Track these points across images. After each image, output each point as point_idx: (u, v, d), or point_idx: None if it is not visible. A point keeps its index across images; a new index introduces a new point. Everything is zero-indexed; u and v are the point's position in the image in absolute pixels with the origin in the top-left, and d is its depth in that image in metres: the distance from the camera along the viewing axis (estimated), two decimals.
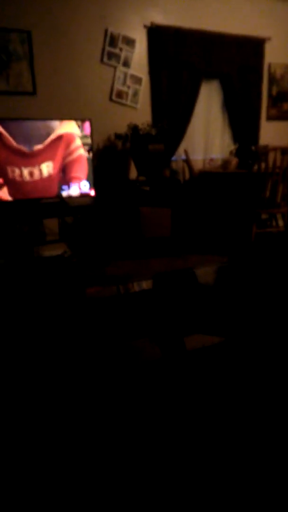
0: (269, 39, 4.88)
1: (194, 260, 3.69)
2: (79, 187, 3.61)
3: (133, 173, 4.27)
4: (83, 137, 3.26)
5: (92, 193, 3.68)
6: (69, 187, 3.57)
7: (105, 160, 4.18)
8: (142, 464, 1.34)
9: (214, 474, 1.30)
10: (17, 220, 3.40)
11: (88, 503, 1.21)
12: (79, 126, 3.31)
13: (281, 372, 1.86)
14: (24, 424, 1.56)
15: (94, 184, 3.66)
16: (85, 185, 3.63)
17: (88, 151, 3.29)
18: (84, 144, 3.26)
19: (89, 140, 3.39)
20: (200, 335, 2.28)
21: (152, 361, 1.97)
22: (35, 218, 3.49)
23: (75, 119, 3.52)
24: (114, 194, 4.11)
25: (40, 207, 3.49)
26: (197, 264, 3.58)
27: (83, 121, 3.54)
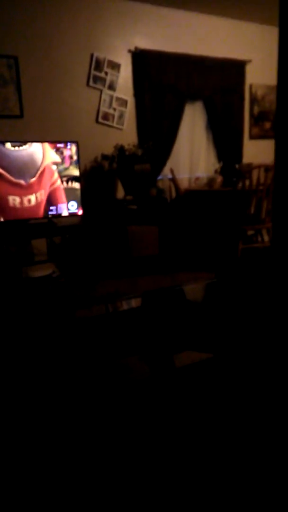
0: (249, 61, 5.06)
1: (182, 278, 3.74)
2: (67, 207, 3.66)
3: (120, 193, 4.34)
4: (63, 169, 3.47)
5: (80, 212, 3.73)
6: (57, 208, 3.61)
7: (92, 180, 4.25)
8: (133, 480, 1.35)
9: (205, 490, 1.31)
10: (5, 241, 3.42)
11: None
12: (61, 156, 3.51)
13: (268, 386, 1.89)
14: (17, 440, 1.57)
15: (82, 204, 3.71)
16: (72, 205, 3.68)
17: (68, 181, 3.47)
18: (63, 176, 3.56)
19: (70, 171, 3.54)
20: (189, 352, 2.31)
21: (141, 379, 1.98)
22: (23, 239, 3.52)
23: (62, 142, 3.58)
24: (101, 214, 4.16)
25: (28, 228, 3.52)
26: (185, 281, 3.63)
27: (70, 143, 3.60)
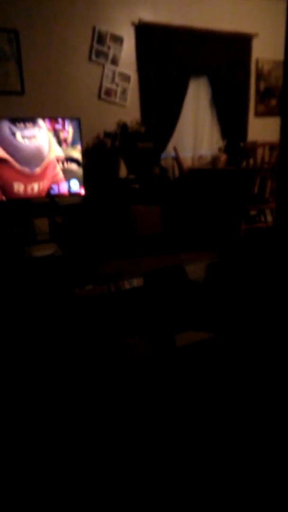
0: (256, 35, 4.91)
1: (184, 257, 3.74)
2: (69, 186, 3.63)
3: (123, 172, 4.29)
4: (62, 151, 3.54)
5: (82, 192, 3.70)
6: (58, 187, 3.59)
7: (94, 158, 4.19)
8: (135, 463, 1.38)
9: (208, 473, 1.34)
10: (7, 220, 3.41)
11: (84, 504, 1.24)
12: (57, 138, 3.55)
13: (270, 367, 1.91)
14: (17, 424, 1.60)
15: (84, 183, 3.68)
16: (74, 184, 3.65)
17: (64, 162, 3.63)
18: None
19: (68, 152, 3.60)
20: (190, 332, 2.32)
21: (143, 359, 2.00)
22: (25, 218, 3.50)
23: (63, 117, 3.52)
24: (104, 193, 4.13)
25: (30, 207, 3.50)
26: (187, 261, 3.62)
27: (71, 119, 3.55)
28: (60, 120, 3.50)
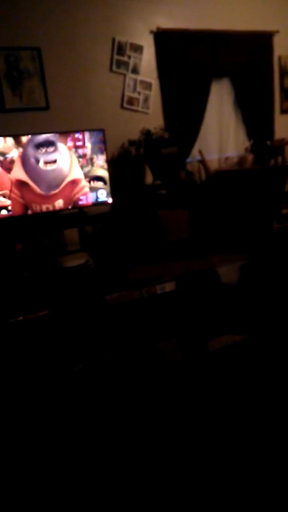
0: (277, 32, 4.84)
1: (214, 260, 3.68)
2: (97, 196, 3.67)
3: (149, 178, 4.30)
4: (87, 171, 3.68)
5: (110, 200, 3.73)
6: (86, 197, 3.64)
7: (120, 167, 4.23)
8: (162, 465, 1.36)
9: (234, 474, 1.30)
10: (37, 233, 3.48)
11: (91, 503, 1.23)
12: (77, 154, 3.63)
13: None
14: (42, 422, 1.60)
15: (111, 192, 3.71)
16: (102, 194, 3.69)
17: (90, 181, 3.70)
18: (87, 177, 3.71)
19: (93, 172, 3.70)
20: (224, 336, 2.28)
21: (174, 364, 1.98)
22: (56, 230, 3.57)
23: (88, 130, 3.58)
24: (131, 200, 4.14)
25: (60, 219, 3.56)
26: (218, 264, 3.57)
27: (96, 131, 3.60)
28: (80, 136, 3.55)
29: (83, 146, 3.57)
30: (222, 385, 1.77)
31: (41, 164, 3.43)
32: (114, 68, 4.10)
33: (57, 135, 3.48)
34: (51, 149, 3.45)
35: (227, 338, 2.19)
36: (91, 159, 3.62)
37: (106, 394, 1.80)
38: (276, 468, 1.31)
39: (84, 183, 3.62)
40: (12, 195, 3.38)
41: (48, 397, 1.84)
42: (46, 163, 3.45)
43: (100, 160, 3.65)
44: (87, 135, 3.58)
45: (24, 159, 3.38)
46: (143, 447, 1.46)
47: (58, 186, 3.52)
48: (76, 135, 3.54)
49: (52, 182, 3.50)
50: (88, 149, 3.58)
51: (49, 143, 3.44)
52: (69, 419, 1.67)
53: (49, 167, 3.47)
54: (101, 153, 3.65)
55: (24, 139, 3.38)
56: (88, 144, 3.58)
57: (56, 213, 3.56)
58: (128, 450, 1.45)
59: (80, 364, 2.04)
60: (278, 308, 2.53)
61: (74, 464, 1.42)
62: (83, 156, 3.60)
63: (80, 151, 3.57)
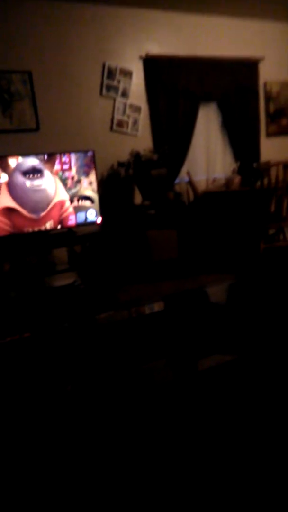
0: (262, 59, 5.00)
1: (203, 280, 3.70)
2: (86, 215, 3.69)
3: (138, 198, 4.36)
4: (75, 192, 3.71)
5: (99, 220, 3.75)
6: (76, 217, 3.65)
7: (109, 187, 4.27)
8: (154, 487, 1.34)
9: (224, 491, 1.29)
10: (27, 253, 3.48)
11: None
12: (64, 175, 3.65)
13: None
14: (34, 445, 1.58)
15: (100, 212, 3.74)
16: (91, 214, 3.71)
17: (79, 199, 3.74)
18: (74, 197, 3.74)
19: (81, 192, 3.73)
20: (213, 355, 2.28)
21: (164, 383, 1.97)
22: (44, 249, 3.56)
23: (78, 151, 3.63)
24: (120, 220, 4.18)
25: (48, 238, 3.56)
26: (207, 283, 3.59)
27: (86, 152, 3.65)
28: (66, 159, 3.58)
29: (69, 169, 3.60)
30: (212, 404, 1.77)
31: (27, 188, 3.47)
32: (104, 92, 4.19)
33: (43, 162, 3.50)
34: (37, 175, 3.50)
35: (216, 358, 2.19)
36: (79, 180, 3.65)
37: (97, 414, 1.78)
38: (264, 486, 1.30)
39: (68, 204, 3.66)
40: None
41: (39, 417, 1.81)
42: (32, 187, 3.49)
43: (85, 182, 3.68)
44: (73, 157, 3.60)
45: (10, 185, 3.40)
46: (134, 465, 1.44)
47: (44, 208, 3.56)
48: (63, 159, 3.57)
49: (39, 205, 3.54)
50: (73, 171, 3.61)
51: (36, 170, 3.48)
52: (60, 439, 1.64)
53: (36, 188, 3.51)
54: (86, 176, 3.68)
55: (12, 163, 3.39)
56: (74, 167, 3.62)
57: (45, 233, 3.57)
58: (119, 468, 1.43)
59: (70, 385, 2.02)
60: (267, 327, 2.55)
61: (62, 485, 1.40)
62: (71, 178, 3.63)
63: (67, 173, 3.60)
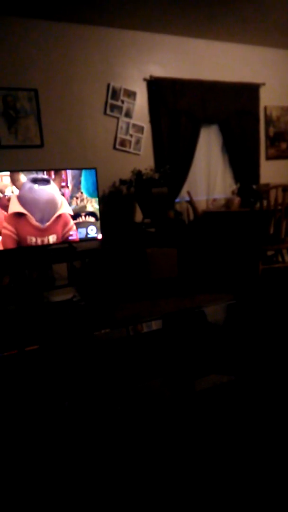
0: (263, 84, 5.13)
1: (202, 299, 3.71)
2: (87, 232, 3.72)
3: (139, 216, 4.40)
4: (78, 208, 3.71)
5: (99, 237, 3.78)
6: (77, 233, 3.68)
7: (111, 205, 4.32)
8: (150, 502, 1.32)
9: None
10: (26, 266, 3.49)
11: None
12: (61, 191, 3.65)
13: None
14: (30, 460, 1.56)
15: (101, 228, 3.77)
16: (92, 230, 3.74)
17: (85, 215, 3.75)
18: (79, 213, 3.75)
19: (85, 208, 3.73)
20: (211, 375, 2.27)
21: (161, 403, 1.96)
22: (44, 264, 3.58)
23: (81, 169, 3.68)
24: (120, 237, 4.21)
25: (49, 253, 3.58)
26: (205, 303, 3.60)
27: (88, 169, 3.70)
28: (64, 177, 3.61)
29: (66, 186, 3.63)
30: (208, 425, 1.76)
31: (36, 190, 3.50)
32: (108, 111, 4.28)
33: (52, 177, 3.54)
34: (45, 183, 3.52)
35: (214, 378, 2.19)
36: (76, 197, 3.67)
37: (93, 432, 1.76)
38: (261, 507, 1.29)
39: (71, 223, 3.69)
40: (4, 231, 3.41)
41: (35, 431, 1.79)
42: (40, 190, 3.51)
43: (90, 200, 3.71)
44: (69, 176, 3.62)
45: (20, 193, 3.43)
46: (128, 481, 1.42)
47: (50, 217, 3.57)
48: (63, 176, 3.60)
49: (46, 210, 3.55)
50: (69, 190, 3.65)
51: (44, 180, 3.51)
52: (55, 454, 1.62)
53: (43, 192, 3.53)
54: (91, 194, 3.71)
55: (22, 178, 3.43)
56: (70, 185, 3.65)
57: (46, 247, 3.59)
58: (112, 483, 1.42)
59: (68, 401, 2.01)
60: (265, 349, 2.55)
61: (53, 498, 1.38)
62: (76, 197, 3.67)
63: (67, 191, 3.64)
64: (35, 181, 3.47)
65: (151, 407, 1.94)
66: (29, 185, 3.46)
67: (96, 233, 3.76)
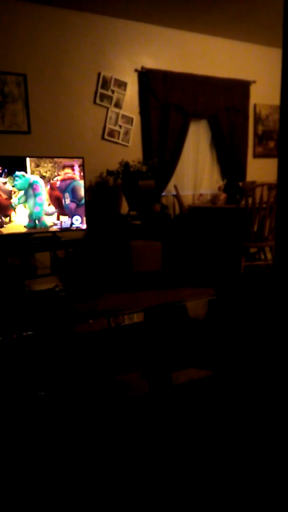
0: (254, 82, 5.14)
1: (184, 293, 3.74)
2: (71, 221, 3.69)
3: (125, 208, 4.38)
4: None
5: (84, 227, 3.76)
6: (61, 222, 3.65)
7: (97, 195, 4.29)
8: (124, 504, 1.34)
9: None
10: (9, 254, 3.44)
11: None
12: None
13: (267, 405, 1.87)
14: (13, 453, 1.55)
15: (86, 219, 3.74)
16: (77, 220, 3.71)
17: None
18: None
19: None
20: (188, 369, 2.30)
21: (139, 396, 1.97)
22: (27, 252, 3.54)
23: (68, 157, 3.64)
24: (105, 229, 4.19)
25: (32, 241, 3.54)
26: (187, 297, 3.63)
27: (76, 158, 3.66)
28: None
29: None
30: (187, 419, 1.78)
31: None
32: (97, 100, 4.23)
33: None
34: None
35: (191, 372, 2.21)
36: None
37: (69, 422, 1.76)
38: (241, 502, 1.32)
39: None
40: None
41: (7, 421, 1.78)
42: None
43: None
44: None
45: None
46: (101, 477, 1.43)
47: None
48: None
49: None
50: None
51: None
52: (27, 444, 1.62)
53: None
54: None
55: None
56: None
57: (29, 235, 3.55)
58: (85, 478, 1.42)
59: (43, 391, 2.00)
60: (244, 345, 2.58)
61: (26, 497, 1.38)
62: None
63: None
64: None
65: (129, 399, 1.95)
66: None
67: (80, 223, 3.74)
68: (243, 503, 1.32)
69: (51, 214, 3.59)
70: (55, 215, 3.60)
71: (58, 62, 3.99)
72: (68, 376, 2.18)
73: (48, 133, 4.00)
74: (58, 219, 3.63)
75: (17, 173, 3.40)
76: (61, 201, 3.60)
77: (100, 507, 1.32)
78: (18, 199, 3.43)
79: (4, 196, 3.38)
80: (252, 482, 1.41)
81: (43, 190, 3.53)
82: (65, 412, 1.84)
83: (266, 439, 1.64)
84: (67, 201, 3.63)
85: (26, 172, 3.44)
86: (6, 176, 3.37)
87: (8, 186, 3.38)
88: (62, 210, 3.62)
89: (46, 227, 3.58)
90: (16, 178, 3.41)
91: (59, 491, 1.39)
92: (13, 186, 3.40)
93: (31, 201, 3.49)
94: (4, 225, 3.40)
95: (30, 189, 3.48)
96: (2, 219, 3.38)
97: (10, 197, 3.40)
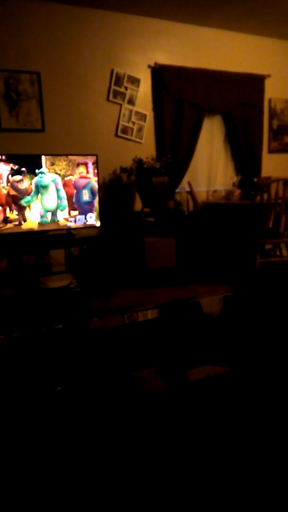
0: (269, 76, 5.07)
1: (198, 290, 3.72)
2: (85, 219, 3.70)
3: (138, 205, 4.38)
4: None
5: (98, 224, 3.76)
6: (75, 219, 3.66)
7: (110, 192, 4.29)
8: (141, 499, 1.33)
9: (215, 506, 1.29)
10: (24, 251, 3.47)
11: None
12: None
13: (284, 402, 1.85)
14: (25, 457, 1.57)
15: (100, 216, 3.75)
16: (91, 217, 3.72)
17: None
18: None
19: None
20: (205, 366, 2.28)
21: (155, 393, 1.97)
22: (42, 250, 3.56)
23: (82, 155, 3.65)
24: (119, 226, 4.19)
25: (47, 239, 3.57)
26: (201, 294, 3.61)
27: (89, 156, 3.67)
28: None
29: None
30: (203, 416, 1.77)
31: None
32: (111, 97, 4.23)
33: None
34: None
35: (207, 369, 2.20)
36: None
37: (84, 418, 1.77)
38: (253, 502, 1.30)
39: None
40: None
41: (25, 415, 1.80)
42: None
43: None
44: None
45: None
46: (117, 474, 1.43)
47: None
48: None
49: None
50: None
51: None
52: (45, 440, 1.63)
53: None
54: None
55: None
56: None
57: (43, 232, 3.57)
58: (100, 475, 1.43)
59: (60, 387, 2.01)
60: (260, 341, 2.56)
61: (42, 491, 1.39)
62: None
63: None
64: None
65: (144, 396, 1.95)
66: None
67: (94, 220, 3.75)
68: (258, 499, 1.31)
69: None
70: (66, 210, 3.62)
71: (71, 60, 4.00)
72: (84, 372, 2.19)
73: (62, 131, 4.02)
74: (69, 214, 3.64)
75: (41, 169, 3.45)
76: (72, 198, 3.62)
77: (111, 500, 1.32)
78: (31, 197, 3.45)
79: (19, 194, 3.41)
80: (268, 479, 1.39)
81: (61, 186, 3.57)
82: (81, 407, 1.85)
83: (284, 436, 1.62)
84: (86, 197, 3.66)
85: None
86: (26, 174, 3.41)
87: (22, 184, 3.41)
88: (72, 206, 3.64)
89: (59, 222, 3.60)
90: (40, 175, 3.45)
91: (74, 483, 1.40)
92: (35, 183, 3.44)
93: (49, 197, 3.52)
94: (22, 222, 3.43)
95: (51, 185, 3.52)
96: (19, 216, 3.41)
97: (25, 195, 3.42)
